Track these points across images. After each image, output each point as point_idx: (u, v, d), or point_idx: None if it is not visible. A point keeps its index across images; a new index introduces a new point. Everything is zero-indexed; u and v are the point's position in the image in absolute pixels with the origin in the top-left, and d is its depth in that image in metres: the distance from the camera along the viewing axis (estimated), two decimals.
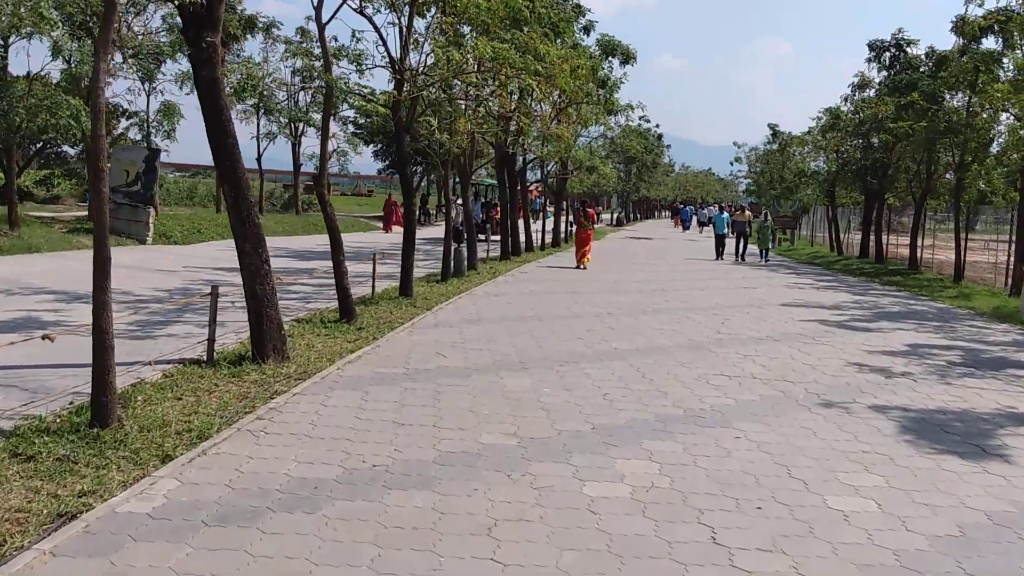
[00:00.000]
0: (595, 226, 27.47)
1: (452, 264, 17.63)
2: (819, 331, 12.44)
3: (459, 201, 22.74)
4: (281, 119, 36.38)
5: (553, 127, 22.17)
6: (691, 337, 11.63)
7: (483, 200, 34.76)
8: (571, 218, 35.82)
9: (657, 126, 66.75)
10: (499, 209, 26.57)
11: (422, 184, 43.78)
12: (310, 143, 55.97)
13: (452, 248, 17.58)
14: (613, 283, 19.05)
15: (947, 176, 26.41)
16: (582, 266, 22.79)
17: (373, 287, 14.35)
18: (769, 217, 32.26)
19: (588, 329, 12.22)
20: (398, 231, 27.55)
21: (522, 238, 27.79)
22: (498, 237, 28.38)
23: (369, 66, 13.25)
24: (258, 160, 37.14)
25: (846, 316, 14.38)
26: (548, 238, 33.38)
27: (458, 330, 11.69)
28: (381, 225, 39.23)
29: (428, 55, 13.56)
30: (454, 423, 6.77)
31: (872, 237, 31.69)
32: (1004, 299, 17.68)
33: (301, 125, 37.99)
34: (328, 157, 13.10)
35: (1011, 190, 21.37)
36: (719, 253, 29.50)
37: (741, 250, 29.25)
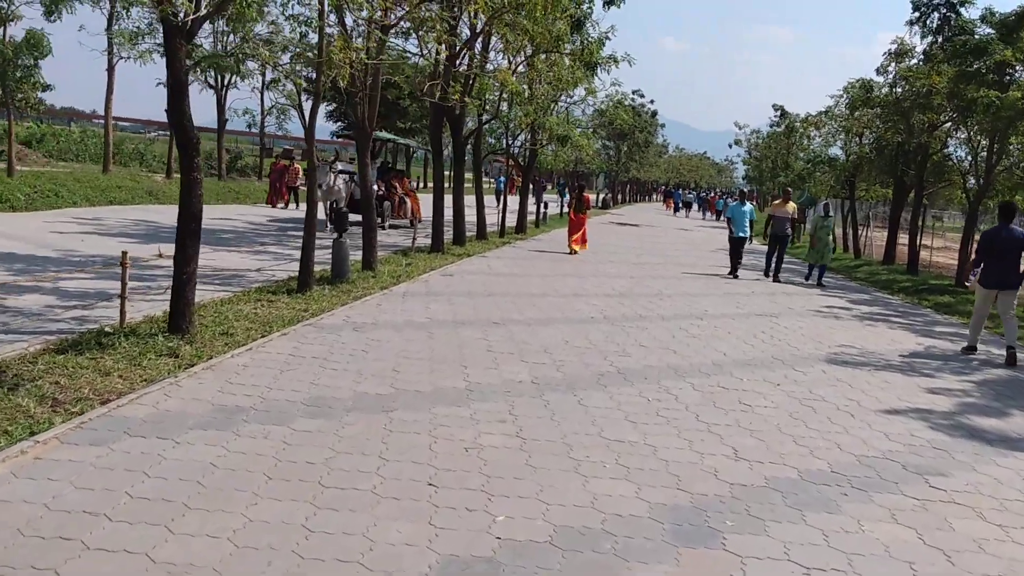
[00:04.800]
0: (587, 209, 22.85)
1: (308, 267, 11.57)
2: (933, 457, 6.52)
3: (337, 165, 16.74)
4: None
5: (509, 77, 16.05)
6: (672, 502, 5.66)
7: (383, 163, 25.76)
8: (567, 199, 30.03)
9: (652, 102, 60.99)
10: (406, 180, 20.54)
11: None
12: (239, 96, 49.01)
13: (313, 242, 11.48)
14: (565, 309, 13.06)
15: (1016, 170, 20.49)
16: (573, 251, 21.24)
17: (123, 314, 8.27)
18: (831, 211, 19.40)
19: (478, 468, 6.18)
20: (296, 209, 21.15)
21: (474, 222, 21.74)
22: (406, 220, 22.39)
23: None
24: (167, 112, 30.82)
25: (939, 384, 8.52)
26: (515, 220, 27.27)
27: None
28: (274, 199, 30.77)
29: None
30: None
31: (899, 239, 25.96)
32: None
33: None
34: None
35: None
36: (735, 267, 18.73)
37: (775, 265, 18.76)
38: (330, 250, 12.88)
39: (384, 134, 24.36)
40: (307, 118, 11.48)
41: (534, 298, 12.96)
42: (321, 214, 19.64)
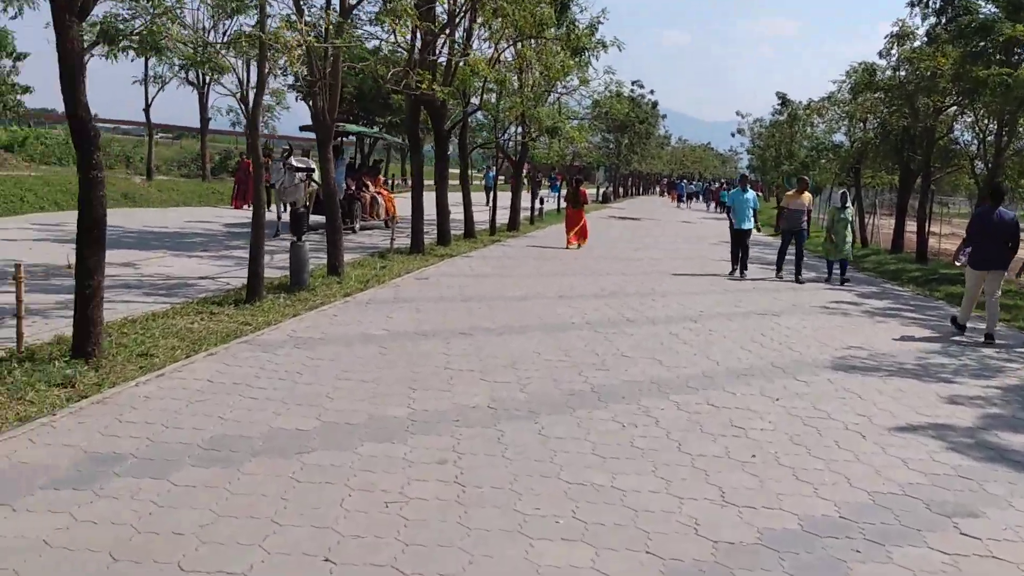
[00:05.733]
0: (584, 204, 21.99)
1: (258, 274, 10.50)
2: (960, 490, 5.42)
3: (292, 161, 15.64)
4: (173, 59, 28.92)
5: (482, 64, 14.97)
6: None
7: (351, 160, 24.24)
8: (563, 194, 28.92)
9: (652, 92, 59.81)
10: (379, 178, 19.42)
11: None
12: (221, 94, 47.97)
13: (262, 246, 10.42)
14: (543, 319, 11.98)
15: None
16: (573, 246, 20.80)
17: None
18: (848, 202, 17.46)
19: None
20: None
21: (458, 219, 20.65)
22: (380, 220, 21.29)
23: None
24: (146, 111, 29.82)
25: (959, 391, 7.40)
26: (509, 217, 26.15)
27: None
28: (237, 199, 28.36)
29: None
30: None
31: (906, 226, 24.79)
32: None
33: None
34: None
35: None
36: (737, 262, 16.83)
37: (795, 263, 16.62)
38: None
39: (352, 127, 23.14)
40: (249, 108, 10.39)
41: (512, 302, 11.88)
42: (275, 215, 18.56)
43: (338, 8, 12.81)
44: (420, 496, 4.73)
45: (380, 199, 21.76)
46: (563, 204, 27.02)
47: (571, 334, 9.73)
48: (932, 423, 6.75)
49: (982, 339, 10.71)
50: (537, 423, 6.18)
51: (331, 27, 11.24)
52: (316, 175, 16.12)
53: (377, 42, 17.02)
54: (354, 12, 13.97)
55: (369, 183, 21.65)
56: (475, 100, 21.14)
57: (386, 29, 13.98)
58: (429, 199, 19.09)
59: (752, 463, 5.60)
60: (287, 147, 19.88)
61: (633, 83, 55.97)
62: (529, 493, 4.85)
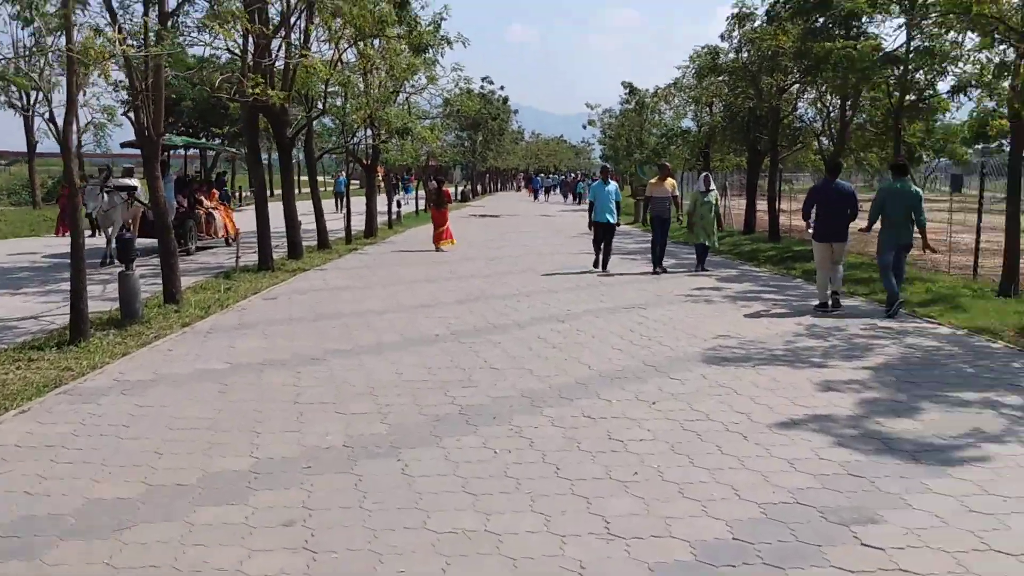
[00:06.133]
0: (448, 204, 21.61)
1: (81, 311, 9.34)
2: (853, 491, 5.15)
3: (111, 182, 14.38)
4: None
5: (318, 64, 14.11)
6: None
7: (193, 175, 22.77)
8: (423, 195, 28.02)
9: (502, 88, 59.87)
10: (214, 192, 18.23)
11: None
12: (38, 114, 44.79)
13: (83, 280, 9.27)
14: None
15: (869, 127, 20.12)
16: (445, 247, 20.59)
17: None
18: (711, 184, 16.53)
19: None
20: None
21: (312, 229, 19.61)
22: (220, 237, 20.12)
23: None
24: None
25: (832, 376, 7.24)
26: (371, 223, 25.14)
27: None
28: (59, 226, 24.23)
29: None
30: None
31: (757, 206, 25.51)
32: (1010, 305, 11.22)
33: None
34: None
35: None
36: (599, 256, 16.22)
37: (659, 252, 16.14)
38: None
39: (178, 139, 21.56)
40: (60, 127, 9.23)
41: (371, 317, 11.14)
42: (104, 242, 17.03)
43: (158, 15, 11.70)
44: (262, 572, 4.01)
45: (217, 215, 20.27)
46: (422, 206, 26.41)
47: (435, 348, 9.11)
48: (812, 415, 6.53)
49: (839, 307, 11.46)
50: (400, 460, 5.54)
51: (150, 35, 10.17)
52: (140, 193, 14.79)
53: (209, 50, 15.86)
54: (180, 18, 12.89)
55: (203, 198, 20.12)
56: (321, 104, 20.14)
57: (212, 34, 12.92)
58: (279, 211, 18.03)
59: (635, 482, 5.15)
60: (106, 167, 18.25)
61: (483, 79, 55.86)
62: (391, 553, 4.21)
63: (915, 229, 11.36)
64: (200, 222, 19.33)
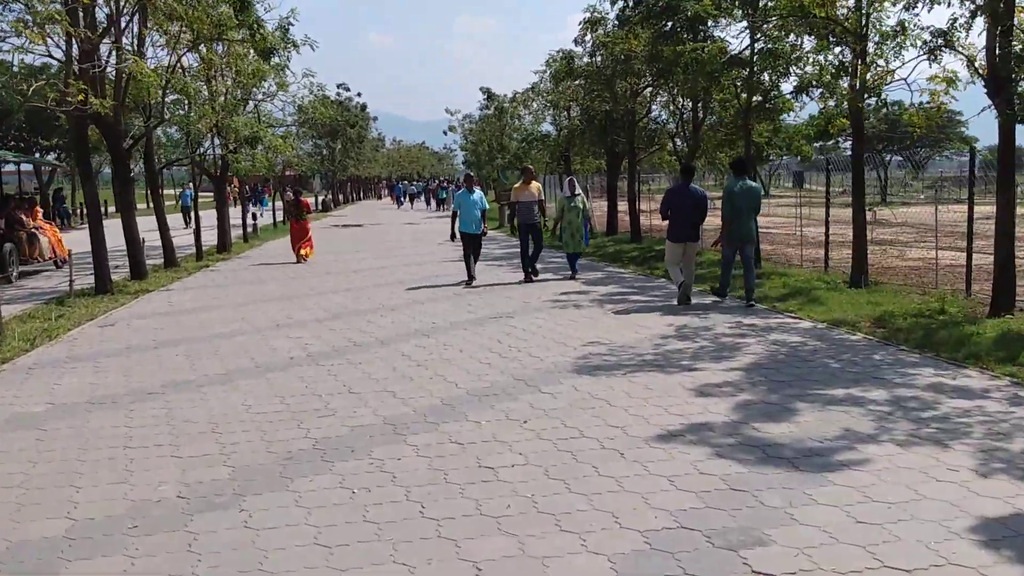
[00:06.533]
0: (307, 214, 21.00)
1: None
2: (737, 509, 4.86)
3: None
4: None
5: (143, 67, 13.05)
6: None
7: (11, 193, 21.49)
8: (263, 207, 26.65)
9: (359, 95, 58.94)
10: (37, 211, 16.80)
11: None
12: None
13: None
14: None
15: (721, 127, 20.56)
16: (302, 261, 19.97)
17: None
18: (576, 189, 15.94)
19: None
20: None
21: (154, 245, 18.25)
22: (48, 259, 18.69)
23: None
24: None
25: (704, 379, 7.02)
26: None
27: None
28: None
29: None
30: None
31: (619, 209, 25.83)
32: (862, 296, 11.56)
33: None
34: None
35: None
36: (472, 270, 15.17)
37: (532, 256, 15.47)
38: None
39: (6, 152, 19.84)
40: None
41: (218, 341, 10.28)
42: None
43: None
44: None
45: (41, 235, 18.57)
46: (280, 218, 25.29)
47: (290, 374, 8.41)
48: (688, 424, 6.28)
49: (708, 300, 12.24)
50: (243, 510, 4.89)
51: None
52: None
53: (38, 58, 14.44)
54: None
55: (24, 218, 18.33)
56: (161, 113, 18.83)
57: (25, 39, 11.72)
58: (120, 228, 16.67)
59: (508, 516, 4.71)
60: None
61: (339, 86, 54.71)
62: None
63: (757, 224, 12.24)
64: (22, 244, 17.60)
